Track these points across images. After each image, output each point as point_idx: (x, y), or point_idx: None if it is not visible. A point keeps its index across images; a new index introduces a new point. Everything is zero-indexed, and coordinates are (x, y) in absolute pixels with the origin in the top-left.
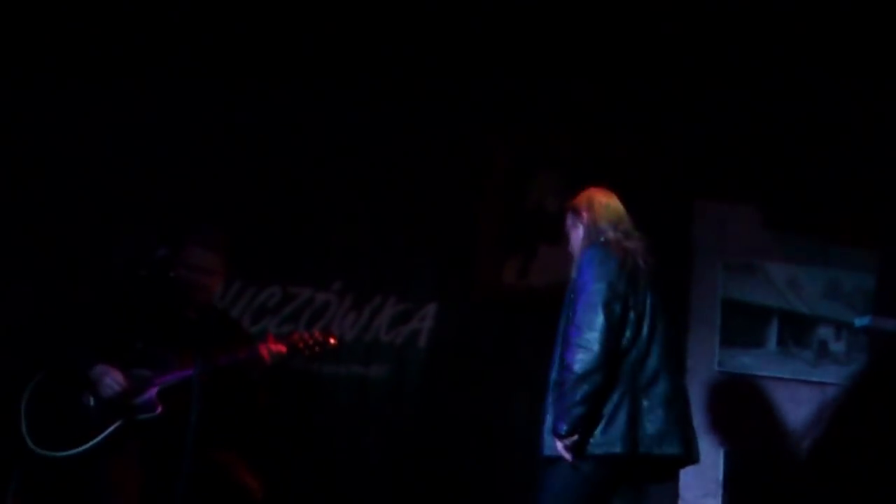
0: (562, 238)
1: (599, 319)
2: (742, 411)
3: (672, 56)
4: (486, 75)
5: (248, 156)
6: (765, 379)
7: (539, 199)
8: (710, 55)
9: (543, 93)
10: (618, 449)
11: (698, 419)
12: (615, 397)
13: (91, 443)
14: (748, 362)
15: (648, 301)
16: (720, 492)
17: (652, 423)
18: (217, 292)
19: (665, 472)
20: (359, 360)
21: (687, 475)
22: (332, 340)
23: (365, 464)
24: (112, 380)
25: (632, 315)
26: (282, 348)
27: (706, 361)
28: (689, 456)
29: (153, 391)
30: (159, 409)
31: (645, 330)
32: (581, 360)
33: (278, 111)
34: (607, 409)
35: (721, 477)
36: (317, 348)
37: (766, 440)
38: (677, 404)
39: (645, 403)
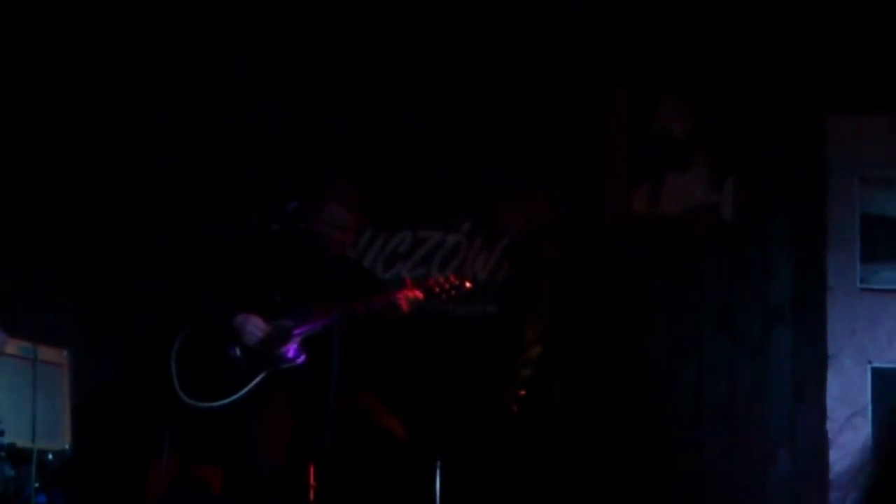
0: (689, 164)
1: None
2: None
3: None
4: (602, 7)
5: (368, 103)
6: None
7: (664, 126)
8: None
9: (659, 18)
10: None
11: (843, 338)
12: None
13: (240, 393)
14: (891, 277)
15: None
16: (868, 410)
17: None
18: (351, 246)
19: None
20: (494, 299)
21: (834, 396)
22: (467, 284)
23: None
24: (254, 326)
25: None
26: (418, 294)
27: (848, 279)
28: None
29: (295, 341)
30: (303, 358)
31: None
32: None
33: (396, 58)
34: None
35: (869, 395)
36: (452, 291)
37: None
38: None
39: None
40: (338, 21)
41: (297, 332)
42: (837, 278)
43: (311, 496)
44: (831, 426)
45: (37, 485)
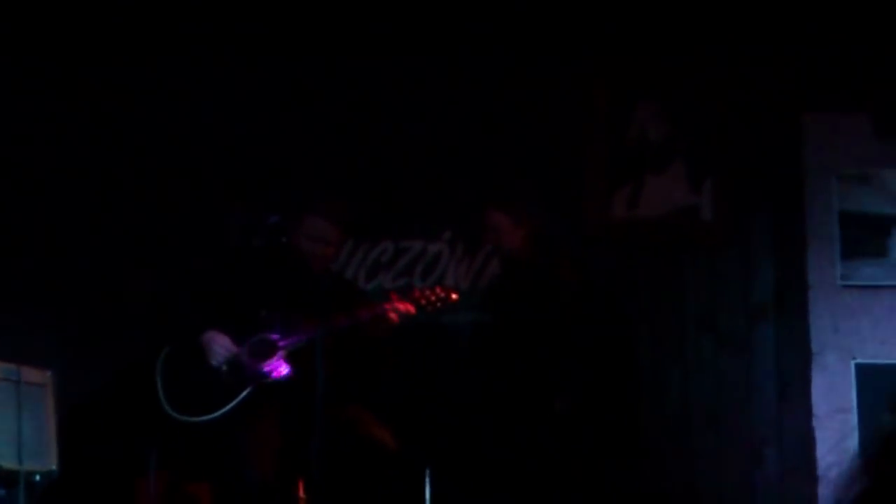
0: (667, 167)
1: None
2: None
3: None
4: (578, 11)
5: (345, 115)
6: (890, 288)
7: (641, 129)
8: None
9: (634, 21)
10: None
11: (826, 335)
12: None
13: (227, 407)
14: (871, 273)
15: None
16: (853, 405)
17: None
18: (335, 260)
19: None
20: (476, 307)
21: (818, 391)
22: (453, 296)
23: (488, 410)
24: (219, 346)
25: None
26: (410, 307)
27: (828, 276)
28: None
29: (280, 354)
30: (288, 371)
31: None
32: None
33: (371, 69)
34: None
35: (853, 391)
36: (439, 304)
37: None
38: None
39: None
40: (318, 35)
41: (282, 345)
42: (818, 276)
43: None
44: (817, 423)
45: None
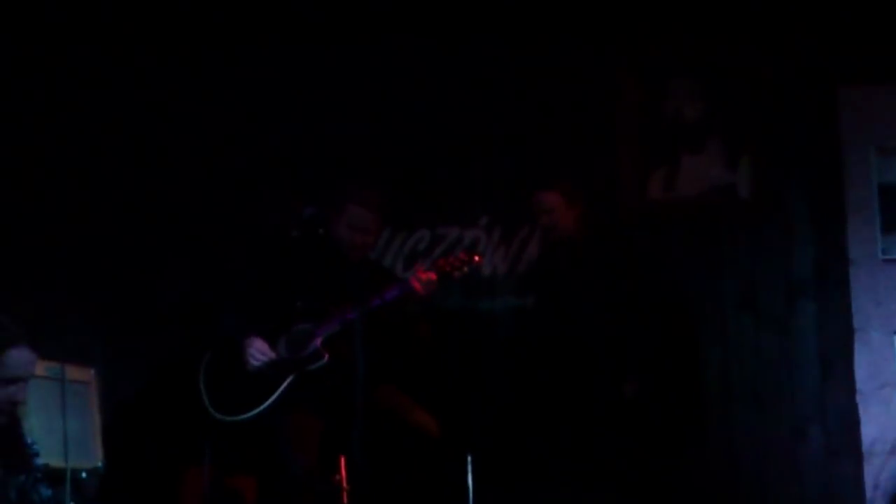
0: (703, 146)
1: None
2: None
3: None
4: None
5: (379, 103)
6: None
7: (675, 109)
8: None
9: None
10: None
11: (868, 309)
12: None
13: (268, 402)
14: None
15: None
16: None
17: None
18: (373, 248)
19: None
20: (514, 291)
21: (862, 368)
22: (476, 258)
23: (528, 395)
24: (256, 351)
25: None
26: (431, 275)
27: (869, 251)
28: None
29: (317, 341)
30: (325, 358)
31: None
32: None
33: (403, 57)
34: None
35: None
36: (465, 268)
37: None
38: None
39: None
40: (347, 24)
41: (318, 332)
42: (859, 250)
43: (345, 498)
44: (861, 399)
45: (72, 503)
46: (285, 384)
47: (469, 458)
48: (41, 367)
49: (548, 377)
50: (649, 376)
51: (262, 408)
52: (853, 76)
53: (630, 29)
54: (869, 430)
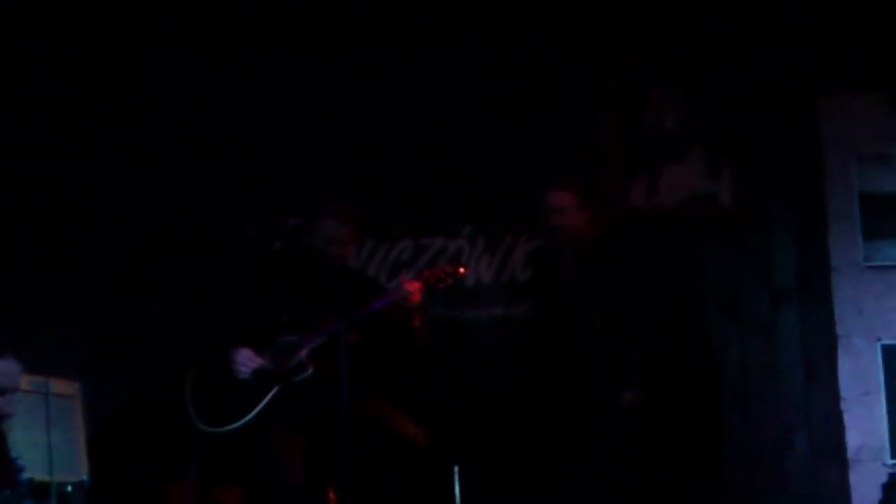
0: (684, 154)
1: None
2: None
3: None
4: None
5: (361, 113)
6: None
7: (657, 118)
8: None
9: (644, 8)
10: None
11: (850, 317)
12: None
13: (253, 412)
14: (894, 253)
15: None
16: (880, 387)
17: None
18: (351, 258)
19: None
20: (499, 301)
21: (845, 375)
22: (461, 269)
23: (514, 403)
24: (242, 359)
25: None
26: (416, 285)
27: (851, 258)
28: None
29: (302, 353)
30: (311, 369)
31: None
32: None
33: (385, 65)
34: None
35: (880, 372)
36: (448, 280)
37: None
38: None
39: None
40: (331, 32)
41: (303, 344)
42: (841, 258)
43: None
44: (845, 406)
45: None
46: (270, 395)
47: (456, 469)
48: (26, 382)
49: (540, 385)
50: (647, 384)
51: (247, 418)
52: (833, 84)
53: (611, 39)
54: (853, 437)
